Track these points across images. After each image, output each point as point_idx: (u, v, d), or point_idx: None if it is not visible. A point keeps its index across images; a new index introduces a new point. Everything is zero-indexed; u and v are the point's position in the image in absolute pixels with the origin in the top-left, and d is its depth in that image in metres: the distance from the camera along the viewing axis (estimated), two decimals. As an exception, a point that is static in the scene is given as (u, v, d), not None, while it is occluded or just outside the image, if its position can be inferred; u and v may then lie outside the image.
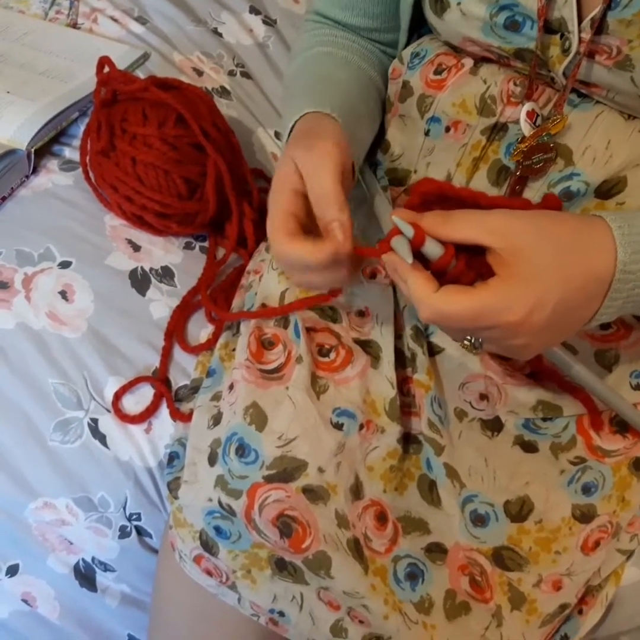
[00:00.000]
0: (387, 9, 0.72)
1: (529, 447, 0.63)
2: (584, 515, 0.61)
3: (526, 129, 0.62)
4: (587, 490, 0.62)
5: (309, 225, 0.54)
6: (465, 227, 0.48)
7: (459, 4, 0.61)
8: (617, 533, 0.62)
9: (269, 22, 1.08)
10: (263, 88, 1.01)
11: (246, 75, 1.01)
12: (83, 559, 0.74)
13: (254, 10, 1.08)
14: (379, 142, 0.76)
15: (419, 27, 0.74)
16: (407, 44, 0.73)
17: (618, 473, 0.62)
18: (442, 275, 0.49)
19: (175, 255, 0.82)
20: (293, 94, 0.69)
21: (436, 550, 0.60)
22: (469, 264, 0.49)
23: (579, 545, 0.61)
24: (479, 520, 0.61)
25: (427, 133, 0.68)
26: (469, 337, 0.55)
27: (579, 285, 0.49)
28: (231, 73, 1.00)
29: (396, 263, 0.50)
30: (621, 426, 0.63)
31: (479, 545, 0.60)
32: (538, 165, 0.62)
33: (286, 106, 0.69)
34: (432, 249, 0.49)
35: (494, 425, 0.63)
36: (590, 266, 0.49)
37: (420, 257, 0.50)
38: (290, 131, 0.62)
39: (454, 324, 0.50)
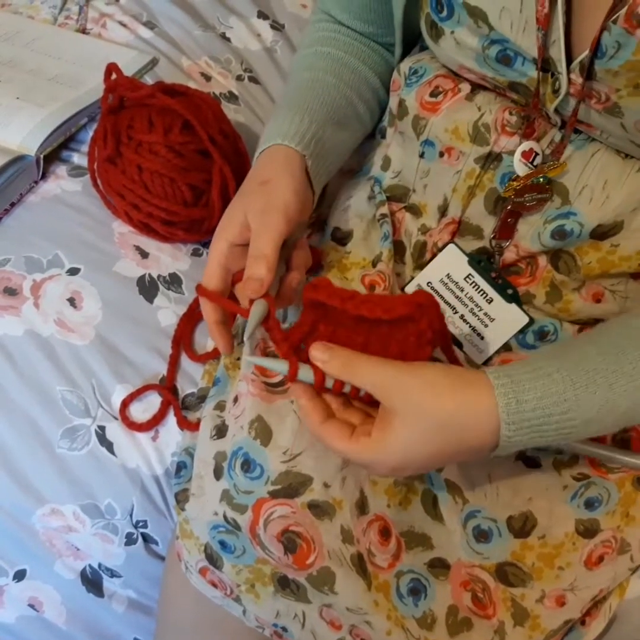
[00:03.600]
0: (380, 18, 0.72)
1: (532, 463, 0.63)
2: (588, 530, 0.61)
3: (520, 169, 0.61)
4: (590, 505, 0.62)
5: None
6: (359, 376, 0.52)
7: (452, 32, 0.60)
8: (623, 548, 0.62)
9: (277, 26, 1.07)
10: (271, 93, 1.01)
11: (254, 80, 1.01)
12: (90, 565, 0.74)
13: (262, 15, 1.07)
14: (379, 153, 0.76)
15: (417, 39, 0.73)
16: (406, 53, 0.73)
17: (623, 489, 0.62)
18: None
19: (183, 262, 0.82)
20: (277, 106, 0.72)
21: (439, 566, 0.60)
22: (358, 392, 0.53)
23: (583, 560, 0.61)
24: (482, 536, 0.61)
25: (422, 155, 0.68)
26: None
27: (451, 455, 0.52)
28: (239, 78, 1.00)
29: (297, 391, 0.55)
30: (623, 443, 0.63)
31: (482, 561, 0.60)
32: (531, 204, 0.62)
33: (271, 116, 0.71)
34: (307, 376, 0.53)
35: None
36: (465, 443, 0.51)
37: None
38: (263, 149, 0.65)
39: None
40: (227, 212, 0.61)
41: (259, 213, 0.58)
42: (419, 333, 0.52)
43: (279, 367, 0.54)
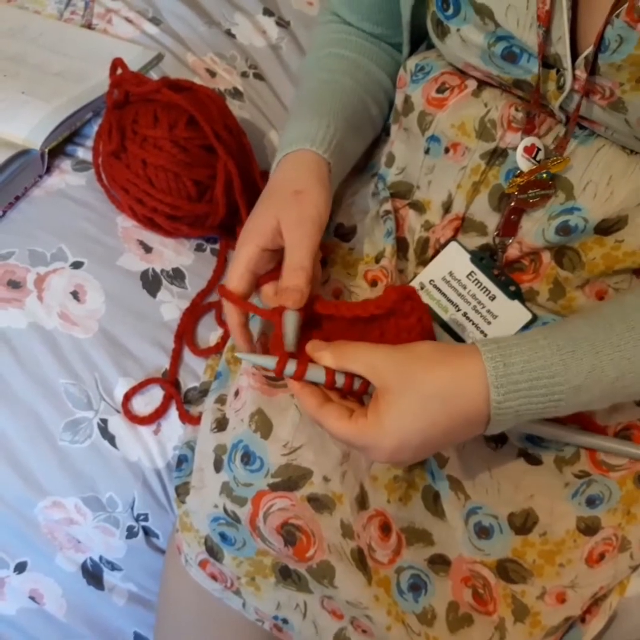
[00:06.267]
0: (389, 18, 0.72)
1: (533, 460, 0.63)
2: (589, 528, 0.61)
3: (523, 164, 0.62)
4: (591, 502, 0.62)
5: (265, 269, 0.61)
6: (353, 361, 0.53)
7: (458, 30, 0.60)
8: (624, 546, 0.62)
9: (282, 23, 1.08)
10: (276, 90, 1.01)
11: (259, 76, 1.01)
12: (91, 558, 0.75)
13: (267, 12, 1.08)
14: (384, 150, 0.76)
15: (424, 37, 0.73)
16: (413, 51, 0.73)
17: (624, 487, 0.62)
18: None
19: (186, 257, 0.82)
20: (298, 105, 0.71)
21: (439, 562, 0.60)
22: (352, 385, 0.55)
23: (584, 557, 0.61)
24: (483, 532, 0.61)
25: (427, 151, 0.68)
26: None
27: (446, 429, 0.52)
28: (244, 74, 1.01)
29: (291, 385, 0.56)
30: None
31: (483, 557, 0.60)
32: (534, 200, 0.62)
33: (292, 114, 0.70)
34: (316, 375, 0.54)
35: (497, 437, 0.63)
36: (458, 412, 0.51)
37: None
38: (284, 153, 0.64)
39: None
40: (256, 217, 0.61)
41: (295, 224, 0.58)
42: (409, 328, 0.54)
43: (268, 362, 0.54)
